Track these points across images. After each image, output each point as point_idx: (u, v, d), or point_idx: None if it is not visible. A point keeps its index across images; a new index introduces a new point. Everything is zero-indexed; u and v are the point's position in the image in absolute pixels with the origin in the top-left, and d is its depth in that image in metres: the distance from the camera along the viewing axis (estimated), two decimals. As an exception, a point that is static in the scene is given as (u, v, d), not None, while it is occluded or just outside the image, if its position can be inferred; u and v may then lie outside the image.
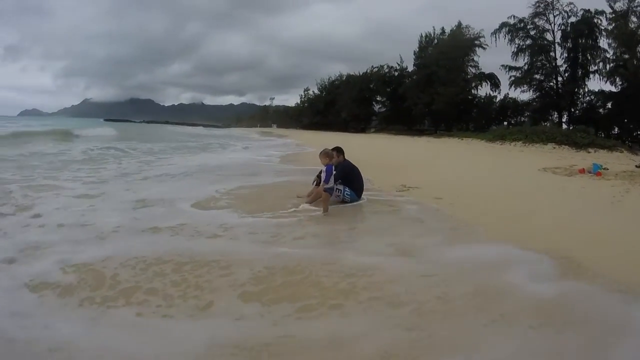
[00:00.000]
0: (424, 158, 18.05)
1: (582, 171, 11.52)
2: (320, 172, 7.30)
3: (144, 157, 15.49)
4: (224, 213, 6.16)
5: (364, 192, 7.37)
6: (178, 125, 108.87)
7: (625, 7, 28.81)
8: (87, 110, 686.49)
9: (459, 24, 45.31)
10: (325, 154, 7.08)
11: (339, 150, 7.40)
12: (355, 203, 7.08)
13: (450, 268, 3.97)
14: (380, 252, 4.45)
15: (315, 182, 7.40)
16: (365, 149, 20.54)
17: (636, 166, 11.82)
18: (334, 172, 6.94)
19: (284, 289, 3.46)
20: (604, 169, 11.73)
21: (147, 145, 21.52)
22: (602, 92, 34.20)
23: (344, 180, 7.04)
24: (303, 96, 79.91)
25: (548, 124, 34.43)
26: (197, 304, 3.16)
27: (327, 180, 6.74)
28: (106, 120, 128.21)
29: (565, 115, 35.90)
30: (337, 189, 6.89)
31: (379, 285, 3.56)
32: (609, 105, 34.03)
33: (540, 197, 8.05)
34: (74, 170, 10.95)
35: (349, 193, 7.04)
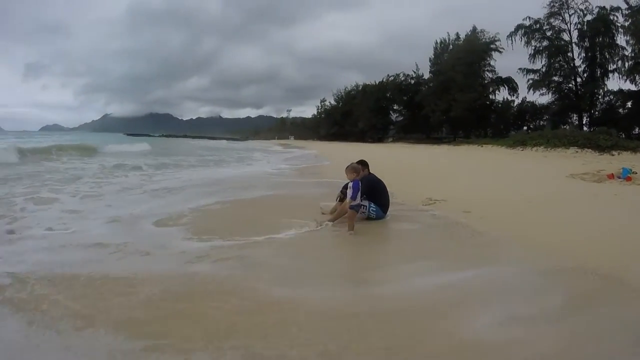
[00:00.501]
0: (446, 167, 17.88)
1: (611, 176, 11.32)
2: (344, 188, 6.85)
3: (154, 171, 15.52)
4: (173, 232, 5.89)
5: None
6: (197, 138, 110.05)
7: None
8: (108, 125, 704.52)
9: (474, 28, 45.41)
10: (352, 168, 6.36)
11: (364, 164, 7.03)
12: (380, 220, 6.72)
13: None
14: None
15: (338, 198, 7.01)
16: (384, 159, 20.30)
17: None
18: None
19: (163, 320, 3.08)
20: (633, 172, 11.50)
21: (165, 160, 21.82)
22: (621, 91, 33.82)
23: (369, 195, 6.67)
24: (320, 107, 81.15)
25: (567, 127, 33.86)
26: (75, 324, 2.98)
27: (354, 197, 6.12)
28: (128, 134, 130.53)
29: (585, 117, 35.52)
30: (362, 205, 6.46)
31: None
32: (629, 104, 33.60)
33: (575, 206, 7.78)
34: (82, 183, 11.16)
35: (374, 209, 6.70)
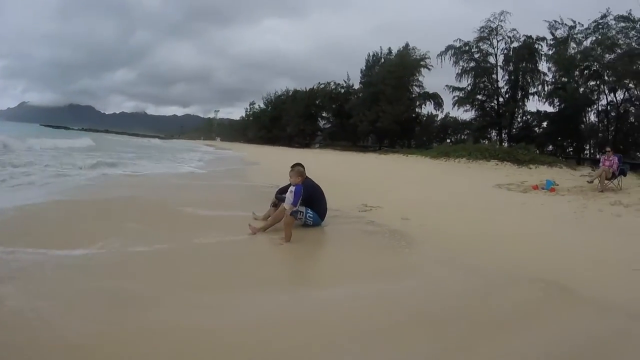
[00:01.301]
0: (376, 174, 17.74)
1: (536, 187, 11.91)
2: (279, 192, 6.42)
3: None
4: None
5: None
6: (120, 134, 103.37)
7: (565, 34, 30.77)
8: (24, 114, 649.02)
9: (407, 44, 46.65)
10: (298, 172, 5.86)
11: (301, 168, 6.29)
12: (316, 227, 6.17)
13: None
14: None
15: (273, 204, 6.38)
16: (314, 164, 19.31)
17: (588, 181, 12.15)
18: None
19: None
20: (556, 184, 12.18)
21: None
22: (538, 112, 36.41)
23: (307, 201, 6.03)
24: (248, 110, 79.51)
25: (486, 142, 35.30)
26: None
27: (295, 203, 5.56)
28: (42, 125, 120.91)
29: (504, 134, 37.50)
30: (299, 211, 5.92)
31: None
32: (544, 124, 36.14)
33: (508, 215, 7.91)
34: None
35: (311, 215, 6.12)
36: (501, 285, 3.85)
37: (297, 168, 5.89)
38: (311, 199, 6.09)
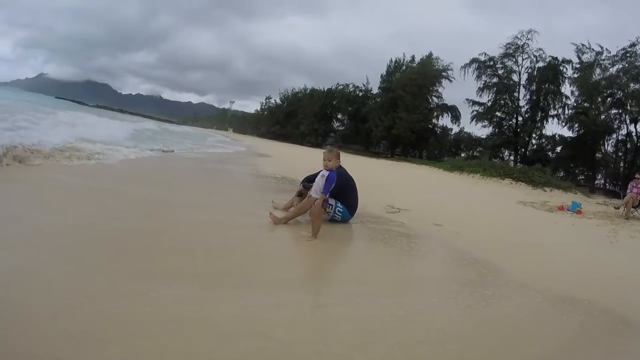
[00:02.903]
0: (394, 179, 17.45)
1: (561, 208, 11.73)
2: (306, 180, 5.80)
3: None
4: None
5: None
6: (133, 115, 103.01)
7: (592, 59, 30.18)
8: (42, 85, 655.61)
9: (430, 54, 46.12)
10: (337, 154, 5.23)
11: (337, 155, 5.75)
12: (344, 223, 5.58)
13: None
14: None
15: (298, 193, 5.79)
16: None
17: (615, 207, 12.29)
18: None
19: None
20: (581, 207, 12.01)
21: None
22: (553, 136, 36.21)
23: (338, 193, 5.39)
24: (264, 104, 79.10)
25: (497, 161, 35.02)
26: None
27: (327, 191, 4.89)
28: (58, 98, 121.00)
29: (518, 154, 36.99)
30: (329, 204, 5.33)
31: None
32: (558, 149, 35.95)
33: (542, 232, 7.78)
34: None
35: (341, 210, 5.51)
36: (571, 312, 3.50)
37: (337, 150, 5.28)
38: (343, 190, 5.47)
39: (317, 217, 4.64)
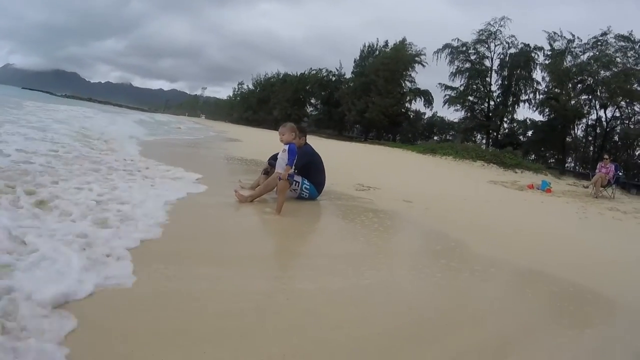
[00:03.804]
0: (367, 160, 17.31)
1: (531, 187, 11.89)
2: (272, 158, 5.67)
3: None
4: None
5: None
6: (103, 104, 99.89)
7: (563, 47, 30.60)
8: (7, 76, 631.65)
9: (404, 39, 45.93)
10: (291, 127, 5.10)
11: (302, 131, 5.76)
12: (312, 201, 5.58)
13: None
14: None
15: (264, 171, 5.66)
16: None
17: (584, 187, 12.42)
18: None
19: None
20: (551, 186, 12.14)
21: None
22: (524, 121, 36.83)
23: (304, 170, 5.48)
24: (236, 89, 77.98)
25: (470, 144, 35.13)
26: None
27: (291, 163, 4.75)
28: (24, 89, 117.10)
29: (490, 137, 37.50)
30: (294, 180, 5.23)
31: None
32: (529, 133, 36.48)
33: (512, 208, 7.78)
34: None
35: (307, 187, 5.54)
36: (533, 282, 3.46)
37: (291, 124, 5.17)
38: (310, 167, 5.57)
39: (282, 192, 4.63)
